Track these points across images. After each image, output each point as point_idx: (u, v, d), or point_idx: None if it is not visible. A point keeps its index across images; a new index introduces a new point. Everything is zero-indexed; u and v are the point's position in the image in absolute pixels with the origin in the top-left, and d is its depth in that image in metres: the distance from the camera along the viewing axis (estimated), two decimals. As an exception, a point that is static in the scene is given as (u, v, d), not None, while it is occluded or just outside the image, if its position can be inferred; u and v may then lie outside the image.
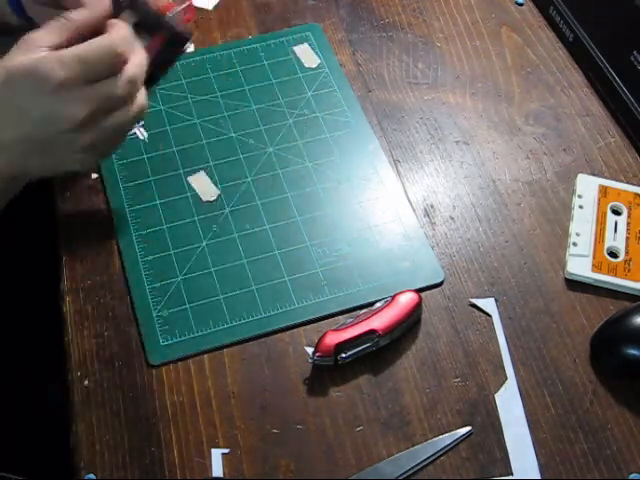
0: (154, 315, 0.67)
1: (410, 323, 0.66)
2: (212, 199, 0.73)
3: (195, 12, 0.81)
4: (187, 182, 0.74)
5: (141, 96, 0.61)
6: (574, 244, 0.71)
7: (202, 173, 0.75)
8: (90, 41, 0.57)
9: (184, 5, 0.77)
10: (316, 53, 0.84)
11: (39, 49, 0.56)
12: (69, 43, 0.57)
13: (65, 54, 0.56)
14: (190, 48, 0.83)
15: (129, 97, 0.59)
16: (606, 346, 0.65)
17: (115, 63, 0.58)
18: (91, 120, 0.57)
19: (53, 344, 0.68)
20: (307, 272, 0.70)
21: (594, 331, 0.67)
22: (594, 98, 0.82)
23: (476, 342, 0.67)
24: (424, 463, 0.61)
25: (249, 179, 0.75)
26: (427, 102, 0.82)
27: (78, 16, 0.59)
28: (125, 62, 0.58)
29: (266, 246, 0.71)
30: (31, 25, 0.64)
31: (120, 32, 0.59)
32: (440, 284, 0.70)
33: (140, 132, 0.78)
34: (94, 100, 0.57)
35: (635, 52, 0.76)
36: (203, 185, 0.74)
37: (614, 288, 0.69)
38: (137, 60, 0.59)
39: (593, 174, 0.76)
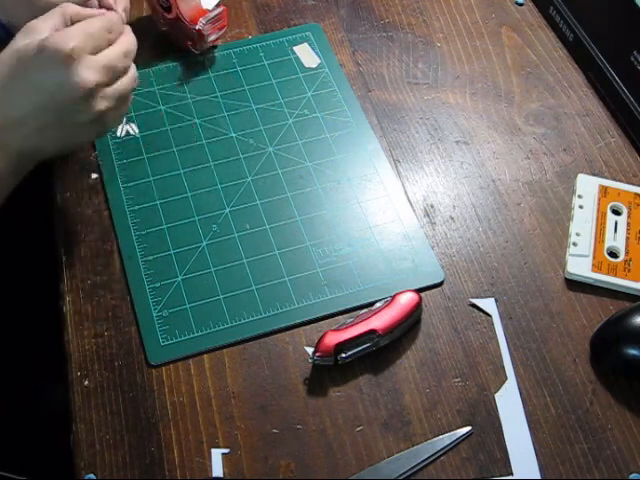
0: (154, 315, 0.67)
1: (410, 323, 0.66)
2: None
3: (227, 18, 0.82)
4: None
5: (133, 69, 0.66)
6: (574, 244, 0.71)
7: None
8: (89, 18, 0.63)
9: (217, 11, 0.78)
10: (316, 53, 0.84)
11: (43, 31, 0.61)
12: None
13: (70, 29, 0.61)
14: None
15: (126, 67, 0.64)
16: (606, 346, 0.65)
17: (112, 38, 0.63)
18: (100, 87, 0.61)
19: (53, 344, 0.68)
20: (307, 272, 0.70)
21: (594, 331, 0.67)
22: (594, 98, 0.82)
23: (476, 342, 0.67)
24: (424, 463, 0.61)
25: (249, 179, 0.75)
26: (427, 102, 0.82)
27: (72, 7, 0.64)
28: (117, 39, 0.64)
29: (266, 246, 0.71)
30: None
31: (113, 14, 0.65)
32: (440, 284, 0.70)
33: (131, 128, 0.78)
34: (101, 68, 0.61)
35: (635, 52, 0.76)
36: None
37: (614, 288, 0.69)
38: (129, 38, 0.65)
39: (593, 174, 0.76)
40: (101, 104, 0.62)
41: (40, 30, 0.61)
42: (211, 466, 0.60)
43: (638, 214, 0.73)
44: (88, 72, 0.60)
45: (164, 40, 0.84)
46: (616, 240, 0.71)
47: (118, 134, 0.77)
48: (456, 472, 0.61)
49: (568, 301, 0.69)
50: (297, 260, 0.70)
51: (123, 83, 0.64)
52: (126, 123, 0.78)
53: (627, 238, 0.71)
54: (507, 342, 0.66)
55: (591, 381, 0.65)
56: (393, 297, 0.66)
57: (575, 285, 0.69)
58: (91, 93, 0.61)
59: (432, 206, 0.74)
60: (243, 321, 0.67)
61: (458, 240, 0.72)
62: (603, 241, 0.71)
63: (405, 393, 0.64)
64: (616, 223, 0.72)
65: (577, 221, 0.72)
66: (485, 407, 0.63)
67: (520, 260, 0.71)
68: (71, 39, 0.60)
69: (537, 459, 0.61)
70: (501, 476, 0.60)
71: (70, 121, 0.62)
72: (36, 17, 0.63)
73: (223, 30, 0.82)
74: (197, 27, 0.79)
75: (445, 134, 0.79)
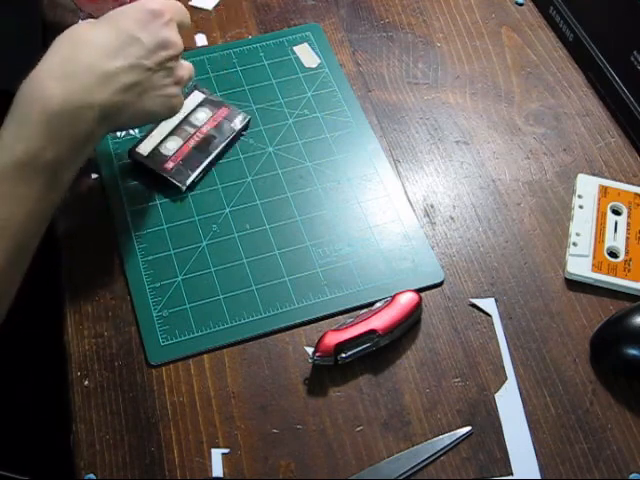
0: (154, 315, 0.67)
1: (410, 323, 0.66)
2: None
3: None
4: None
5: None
6: (574, 244, 0.71)
7: None
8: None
9: None
10: (316, 53, 0.84)
11: None
12: None
13: None
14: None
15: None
16: (606, 346, 0.65)
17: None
18: (181, 54, 0.67)
19: (53, 344, 0.68)
20: (307, 272, 0.70)
21: (594, 331, 0.67)
22: (594, 98, 0.82)
23: (476, 342, 0.67)
24: (424, 463, 0.61)
25: (249, 179, 0.75)
26: (427, 102, 0.82)
27: None
28: None
29: (266, 246, 0.71)
30: None
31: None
32: (440, 284, 0.70)
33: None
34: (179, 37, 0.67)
35: (635, 52, 0.76)
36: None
37: (614, 288, 0.69)
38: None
39: (593, 174, 0.76)
40: (181, 70, 0.66)
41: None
42: (211, 466, 0.60)
43: (638, 214, 0.73)
44: (180, 37, 0.65)
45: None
46: (616, 240, 0.71)
47: (118, 134, 0.77)
48: (456, 472, 0.61)
49: (568, 301, 0.69)
50: (297, 260, 0.70)
51: (189, 64, 0.69)
52: None
53: (627, 238, 0.71)
54: (507, 342, 0.67)
55: (591, 381, 0.65)
56: (393, 297, 0.66)
57: (575, 285, 0.69)
58: (179, 56, 0.65)
59: (432, 206, 0.74)
60: (243, 321, 0.67)
61: (458, 240, 0.72)
62: (603, 241, 0.71)
63: (405, 393, 0.64)
64: (616, 223, 0.72)
65: (577, 221, 0.72)
66: (485, 407, 0.63)
67: (520, 260, 0.71)
68: (168, 7, 0.65)
69: (537, 459, 0.61)
70: (501, 476, 0.60)
71: (154, 83, 0.64)
72: None
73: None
74: None
75: (445, 134, 0.79)
